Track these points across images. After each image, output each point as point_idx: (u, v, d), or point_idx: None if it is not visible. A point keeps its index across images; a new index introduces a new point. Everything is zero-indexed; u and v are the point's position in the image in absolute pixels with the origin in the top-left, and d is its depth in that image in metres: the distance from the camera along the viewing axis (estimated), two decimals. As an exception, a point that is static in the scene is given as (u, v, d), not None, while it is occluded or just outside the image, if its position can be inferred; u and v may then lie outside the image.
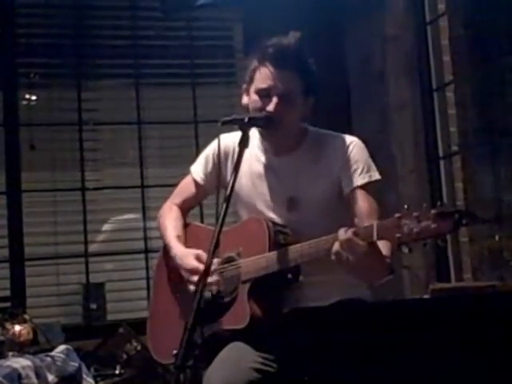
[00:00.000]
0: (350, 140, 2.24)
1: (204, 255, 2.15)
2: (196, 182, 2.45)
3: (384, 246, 2.03)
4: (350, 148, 2.21)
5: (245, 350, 2.08)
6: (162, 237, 2.46)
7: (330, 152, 2.22)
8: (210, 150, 2.41)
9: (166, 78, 4.80)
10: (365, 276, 2.02)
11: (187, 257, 2.26)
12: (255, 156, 2.31)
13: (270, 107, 2.14)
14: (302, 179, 2.22)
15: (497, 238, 3.23)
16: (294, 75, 2.16)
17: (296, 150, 2.26)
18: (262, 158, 2.30)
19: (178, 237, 2.38)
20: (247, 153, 2.24)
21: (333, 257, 1.92)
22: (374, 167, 2.22)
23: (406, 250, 1.80)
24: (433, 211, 1.74)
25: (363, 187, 2.17)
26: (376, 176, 2.21)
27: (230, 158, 2.32)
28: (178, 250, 2.33)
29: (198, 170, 2.44)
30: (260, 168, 2.30)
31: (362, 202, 2.14)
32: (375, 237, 1.85)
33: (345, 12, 4.61)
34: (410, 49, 4.09)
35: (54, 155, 4.54)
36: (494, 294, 2.73)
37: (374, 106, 4.42)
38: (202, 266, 2.11)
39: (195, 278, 2.17)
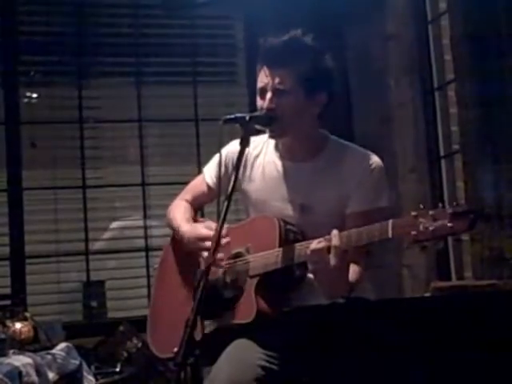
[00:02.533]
0: (371, 161, 2.23)
1: (213, 224, 2.14)
2: (207, 184, 2.46)
3: (353, 273, 2.10)
4: (369, 170, 2.21)
5: (250, 347, 2.08)
6: (171, 227, 2.45)
7: (347, 168, 2.22)
8: (223, 154, 2.39)
9: (168, 76, 4.80)
10: (323, 285, 2.07)
11: (196, 228, 2.27)
12: (271, 161, 2.32)
13: (265, 103, 2.17)
14: (315, 189, 2.22)
15: (498, 236, 3.23)
16: (288, 71, 2.16)
17: (313, 158, 2.26)
18: (278, 163, 2.31)
19: (187, 219, 2.38)
20: (263, 157, 2.29)
21: (308, 253, 1.98)
22: (385, 194, 2.22)
23: (419, 247, 1.82)
24: (449, 210, 1.76)
25: (364, 213, 2.16)
26: (383, 203, 2.20)
27: (241, 164, 2.31)
28: (187, 227, 2.32)
29: (211, 172, 2.45)
30: (275, 173, 2.30)
31: (356, 228, 2.07)
32: (390, 234, 1.87)
33: (345, 10, 4.61)
34: (411, 48, 4.08)
35: (54, 153, 4.54)
36: (494, 293, 2.73)
37: (375, 105, 4.42)
38: (211, 233, 2.10)
39: (207, 245, 2.15)
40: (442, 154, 3.97)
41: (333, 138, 2.31)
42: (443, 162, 3.96)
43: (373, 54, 4.43)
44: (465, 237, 3.58)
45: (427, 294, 3.15)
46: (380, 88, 4.34)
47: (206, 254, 2.09)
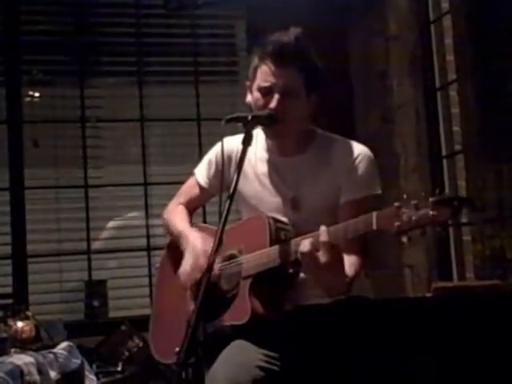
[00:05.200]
0: (359, 150, 2.23)
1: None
2: (200, 185, 2.46)
3: (350, 266, 2.08)
4: (358, 159, 2.20)
5: (249, 348, 2.08)
6: (169, 232, 2.46)
7: (336, 159, 2.22)
8: (212, 153, 2.42)
9: (169, 76, 4.80)
10: (322, 283, 2.06)
11: (205, 239, 2.24)
12: (261, 157, 2.31)
13: (273, 104, 2.15)
14: (305, 181, 2.22)
15: (499, 236, 3.23)
16: (295, 72, 2.16)
17: (302, 152, 2.26)
18: (268, 159, 2.30)
19: (191, 225, 2.39)
20: (252, 154, 2.26)
21: (299, 255, 1.96)
22: (376, 181, 2.22)
23: (405, 239, 1.81)
24: (431, 199, 1.75)
25: (358, 201, 2.17)
26: (375, 191, 2.20)
27: (233, 161, 2.33)
28: (194, 236, 2.30)
29: (202, 173, 2.45)
30: (265, 168, 2.30)
31: (350, 217, 2.07)
32: (375, 225, 1.86)
33: (347, 10, 4.61)
34: (414, 48, 4.08)
35: (56, 152, 4.54)
36: (496, 293, 2.73)
37: (377, 105, 4.42)
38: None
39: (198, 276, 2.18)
40: (443, 153, 3.97)
41: (320, 131, 2.31)
42: (445, 162, 3.96)
43: (375, 53, 4.43)
44: (466, 236, 3.59)
45: (428, 294, 3.15)
46: (382, 88, 4.34)
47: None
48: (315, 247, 1.96)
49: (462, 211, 1.74)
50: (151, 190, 4.61)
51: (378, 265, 3.43)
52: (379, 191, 2.21)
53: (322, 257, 1.95)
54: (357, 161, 2.20)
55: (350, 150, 2.22)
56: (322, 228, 1.97)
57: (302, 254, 1.98)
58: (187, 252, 2.29)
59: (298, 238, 2.04)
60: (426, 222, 1.75)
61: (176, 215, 2.46)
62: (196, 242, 2.27)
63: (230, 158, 2.33)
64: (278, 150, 2.29)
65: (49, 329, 3.83)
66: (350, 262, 2.10)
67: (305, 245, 1.98)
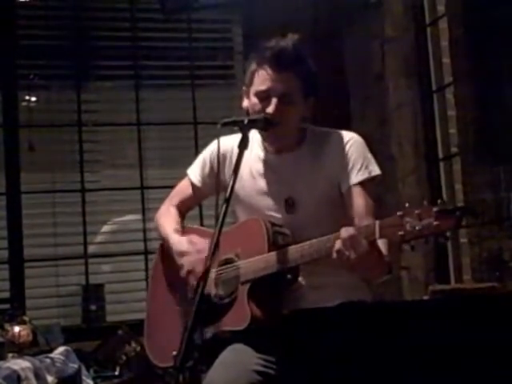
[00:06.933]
0: (349, 137, 2.23)
1: (198, 240, 2.21)
2: (193, 185, 2.44)
3: (382, 246, 2.05)
4: (349, 145, 2.20)
5: (246, 352, 2.08)
6: (160, 235, 2.46)
7: (329, 150, 2.22)
8: (207, 153, 2.42)
9: (166, 80, 4.81)
10: (364, 273, 2.08)
11: (181, 243, 2.28)
12: (256, 155, 2.30)
13: (270, 109, 2.14)
14: (301, 178, 2.22)
15: (496, 238, 3.23)
16: (293, 77, 2.16)
17: (296, 149, 2.26)
18: (263, 157, 2.30)
19: (176, 229, 2.38)
20: (248, 153, 2.25)
21: (334, 254, 1.93)
22: (373, 162, 2.21)
23: (408, 247, 1.81)
24: (434, 209, 1.75)
25: (361, 184, 2.17)
26: (375, 171, 2.20)
27: (227, 160, 2.32)
28: (175, 239, 2.33)
29: (196, 172, 2.44)
30: (260, 166, 2.29)
31: (359, 200, 2.14)
32: (377, 235, 1.86)
33: (344, 13, 4.61)
34: (410, 50, 4.09)
35: (53, 156, 4.55)
36: (493, 296, 2.73)
37: (374, 108, 4.42)
38: (192, 249, 2.19)
39: (183, 260, 2.22)
40: (440, 156, 3.97)
41: (310, 127, 2.31)
42: (442, 165, 3.96)
43: (371, 56, 4.43)
44: (463, 239, 3.59)
45: (426, 297, 3.15)
46: (378, 90, 4.34)
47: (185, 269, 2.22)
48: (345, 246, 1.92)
49: (463, 224, 1.74)
50: (148, 194, 4.61)
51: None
52: (378, 172, 2.21)
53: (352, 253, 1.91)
54: (348, 146, 2.20)
55: (340, 138, 2.23)
56: (342, 229, 1.94)
57: (344, 240, 1.91)
58: (174, 255, 2.31)
59: (299, 245, 2.04)
60: (429, 232, 1.76)
61: (166, 219, 2.44)
62: (179, 246, 2.29)
63: (224, 157, 2.33)
64: (273, 148, 2.29)
65: (46, 333, 3.83)
66: (380, 242, 2.03)
67: (345, 231, 1.92)
